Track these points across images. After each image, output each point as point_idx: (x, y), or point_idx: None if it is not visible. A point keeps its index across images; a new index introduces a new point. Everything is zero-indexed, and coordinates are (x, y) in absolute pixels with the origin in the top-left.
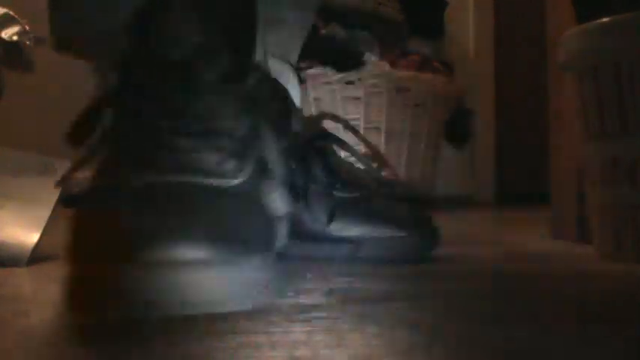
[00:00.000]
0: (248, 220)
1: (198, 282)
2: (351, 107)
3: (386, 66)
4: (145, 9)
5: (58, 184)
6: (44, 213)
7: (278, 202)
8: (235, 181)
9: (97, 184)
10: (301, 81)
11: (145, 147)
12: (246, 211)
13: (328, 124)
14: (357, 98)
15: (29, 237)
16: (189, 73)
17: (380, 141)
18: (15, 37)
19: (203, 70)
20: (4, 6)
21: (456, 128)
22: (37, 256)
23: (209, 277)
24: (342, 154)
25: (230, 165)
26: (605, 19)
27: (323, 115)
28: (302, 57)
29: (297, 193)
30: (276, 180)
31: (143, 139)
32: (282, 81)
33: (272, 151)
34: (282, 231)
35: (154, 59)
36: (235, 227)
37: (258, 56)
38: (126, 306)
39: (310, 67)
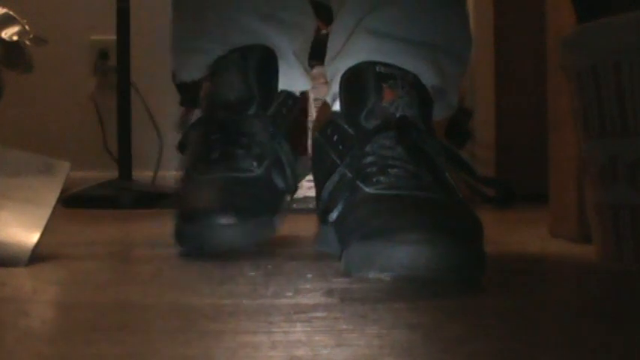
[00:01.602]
0: (257, 195)
1: (224, 234)
2: None
3: None
4: (213, 69)
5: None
6: (44, 213)
7: (280, 181)
8: (256, 173)
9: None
10: None
11: (207, 154)
12: (257, 190)
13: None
14: None
15: (29, 237)
16: (238, 108)
17: None
18: (15, 37)
19: (247, 106)
20: (4, 6)
21: (456, 128)
22: (37, 256)
23: (233, 231)
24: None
25: (255, 163)
26: (605, 19)
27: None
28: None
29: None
30: (283, 167)
31: (207, 149)
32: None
33: (285, 153)
34: (285, 201)
35: (218, 100)
36: (248, 200)
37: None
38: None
39: (311, 68)
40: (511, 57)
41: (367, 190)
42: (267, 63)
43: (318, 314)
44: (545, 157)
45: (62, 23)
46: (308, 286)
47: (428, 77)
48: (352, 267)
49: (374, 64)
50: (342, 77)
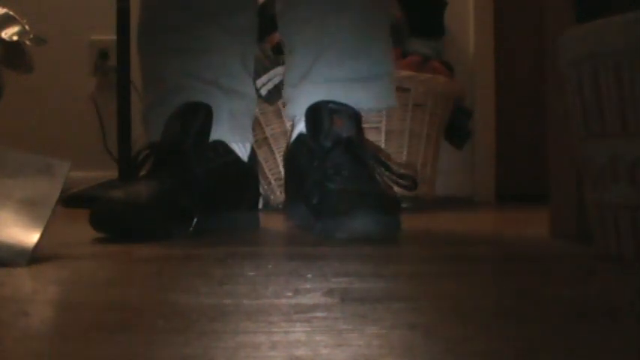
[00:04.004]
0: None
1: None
2: None
3: None
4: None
5: None
6: (44, 213)
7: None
8: (166, 186)
9: None
10: None
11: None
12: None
13: None
14: None
15: (29, 237)
16: (174, 146)
17: (380, 141)
18: (15, 37)
19: (180, 146)
20: (4, 6)
21: (456, 128)
22: (37, 256)
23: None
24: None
25: (168, 180)
26: (605, 19)
27: None
28: None
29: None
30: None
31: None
32: None
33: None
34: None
35: (163, 139)
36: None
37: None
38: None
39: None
40: (511, 57)
41: (330, 186)
42: (205, 117)
43: (318, 314)
44: (545, 157)
45: (62, 23)
46: (308, 286)
47: (357, 104)
48: (327, 232)
49: (327, 102)
50: (307, 112)
